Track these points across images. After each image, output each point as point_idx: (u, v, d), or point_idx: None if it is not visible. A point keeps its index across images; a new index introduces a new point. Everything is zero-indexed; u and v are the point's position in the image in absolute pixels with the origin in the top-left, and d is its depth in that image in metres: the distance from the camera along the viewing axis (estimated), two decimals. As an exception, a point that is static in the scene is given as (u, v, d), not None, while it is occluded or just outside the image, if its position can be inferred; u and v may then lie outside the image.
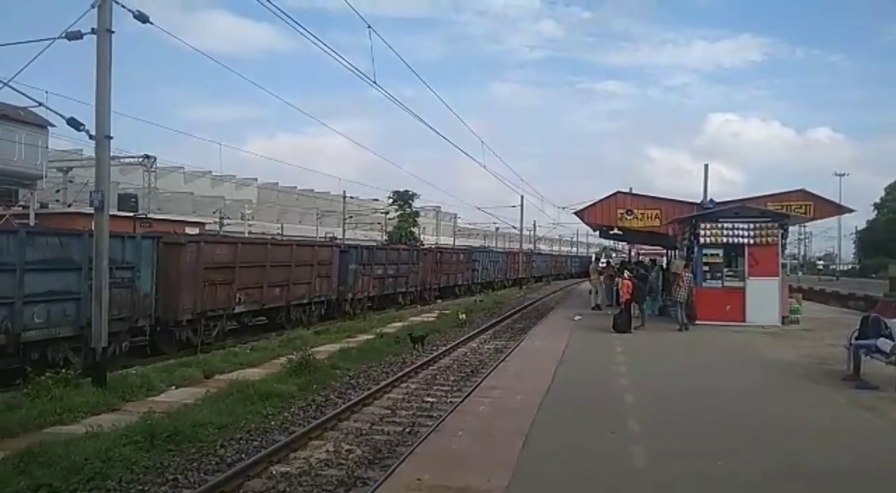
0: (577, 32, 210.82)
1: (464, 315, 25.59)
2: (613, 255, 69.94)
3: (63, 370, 11.32)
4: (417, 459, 7.15)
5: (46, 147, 28.70)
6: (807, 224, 58.43)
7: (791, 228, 52.69)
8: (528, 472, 6.49)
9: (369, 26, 15.33)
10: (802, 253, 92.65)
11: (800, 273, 71.88)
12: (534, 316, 28.34)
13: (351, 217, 55.97)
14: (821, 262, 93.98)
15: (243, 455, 8.60)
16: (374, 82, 16.01)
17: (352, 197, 57.63)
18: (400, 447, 9.01)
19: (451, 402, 11.55)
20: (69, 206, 32.01)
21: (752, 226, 19.58)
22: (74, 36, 11.76)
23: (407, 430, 10.03)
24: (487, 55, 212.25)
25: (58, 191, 34.95)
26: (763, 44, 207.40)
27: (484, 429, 8.16)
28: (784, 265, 26.52)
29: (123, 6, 12.00)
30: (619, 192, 25.44)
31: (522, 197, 57.19)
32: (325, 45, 15.34)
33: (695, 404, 9.80)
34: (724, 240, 19.70)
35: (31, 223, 25.29)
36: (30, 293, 12.46)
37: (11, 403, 10.22)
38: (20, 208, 28.94)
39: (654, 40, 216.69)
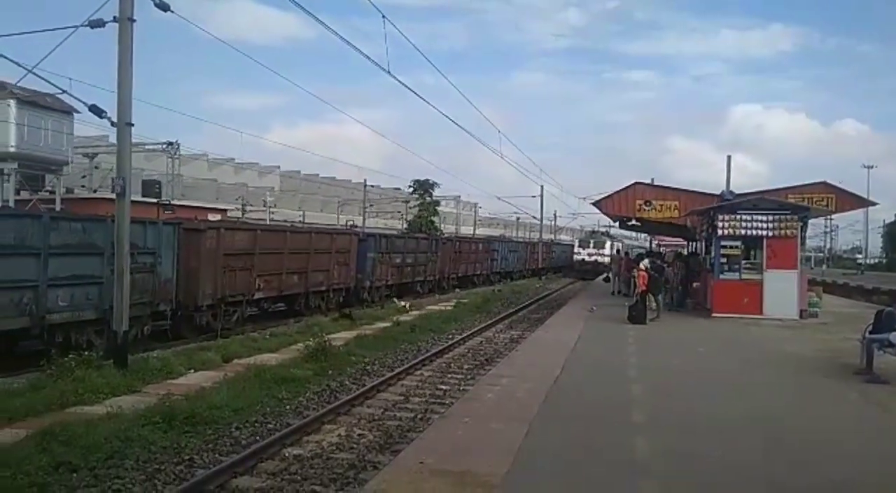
0: (602, 21, 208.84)
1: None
2: (608, 242, 56.55)
3: (86, 353, 11.61)
4: (422, 444, 7.31)
5: (72, 133, 29.11)
6: (833, 217, 57.54)
7: (816, 221, 51.67)
8: (529, 459, 6.61)
9: (384, 16, 15.39)
10: (829, 246, 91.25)
11: (824, 266, 70.96)
12: (551, 306, 28.42)
13: (371, 206, 56.21)
14: (859, 256, 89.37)
15: (258, 437, 8.81)
16: (389, 72, 16.06)
17: (372, 185, 57.87)
18: (411, 432, 9.16)
19: (463, 390, 11.69)
20: (94, 191, 32.54)
21: (771, 218, 19.43)
22: (97, 24, 11.99)
23: (419, 416, 10.18)
24: (511, 44, 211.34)
25: (83, 176, 35.49)
26: (794, 33, 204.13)
27: (489, 416, 8.27)
28: (808, 258, 26.29)
29: (145, -6, 12.20)
30: (637, 182, 25.27)
31: (542, 187, 57.19)
32: (339, 34, 15.37)
33: (701, 396, 9.85)
34: (743, 232, 19.58)
35: (57, 208, 25.78)
36: (54, 277, 12.73)
37: (35, 383, 10.51)
38: (47, 193, 29.49)
39: (682, 29, 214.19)
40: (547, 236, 67.13)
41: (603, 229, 61.10)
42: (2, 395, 10.06)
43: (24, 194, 28.45)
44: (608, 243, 56.17)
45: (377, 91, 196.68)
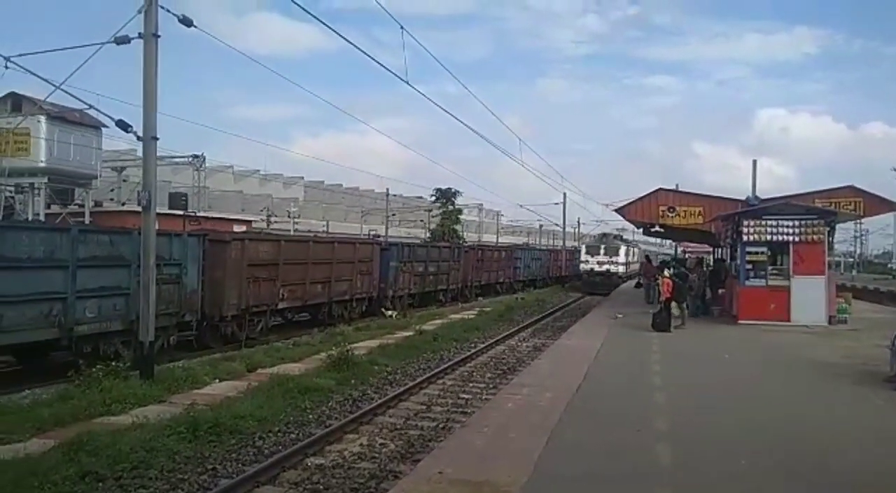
0: (622, 27, 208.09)
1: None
2: (623, 247, 48.23)
3: (113, 363, 11.74)
4: (442, 453, 7.31)
5: (100, 148, 29.68)
6: (863, 221, 56.44)
7: (846, 226, 50.46)
8: (548, 469, 6.57)
9: (402, 27, 15.50)
10: (858, 251, 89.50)
11: (854, 272, 69.60)
12: (574, 314, 28.30)
13: (394, 215, 56.46)
14: None
15: (280, 447, 8.90)
16: (408, 82, 16.16)
17: (395, 195, 58.15)
18: (432, 441, 9.19)
19: (485, 399, 11.70)
20: (122, 204, 33.07)
21: (797, 223, 19.17)
22: (122, 40, 12.24)
23: (440, 425, 10.22)
24: (531, 51, 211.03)
25: (112, 190, 36.09)
26: (819, 36, 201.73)
27: (510, 426, 8.25)
28: (837, 263, 25.81)
29: (169, 10, 12.41)
30: (660, 188, 25.06)
31: (565, 194, 56.87)
32: (358, 47, 15.53)
33: (726, 404, 9.73)
34: (769, 237, 19.32)
35: (86, 221, 26.25)
36: (82, 289, 12.92)
37: (64, 394, 10.69)
38: (76, 207, 30.05)
39: (705, 34, 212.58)
40: (571, 244, 66.56)
41: (615, 233, 52.82)
42: (31, 405, 10.30)
43: (55, 208, 29.04)
44: (623, 249, 47.73)
45: (399, 101, 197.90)
